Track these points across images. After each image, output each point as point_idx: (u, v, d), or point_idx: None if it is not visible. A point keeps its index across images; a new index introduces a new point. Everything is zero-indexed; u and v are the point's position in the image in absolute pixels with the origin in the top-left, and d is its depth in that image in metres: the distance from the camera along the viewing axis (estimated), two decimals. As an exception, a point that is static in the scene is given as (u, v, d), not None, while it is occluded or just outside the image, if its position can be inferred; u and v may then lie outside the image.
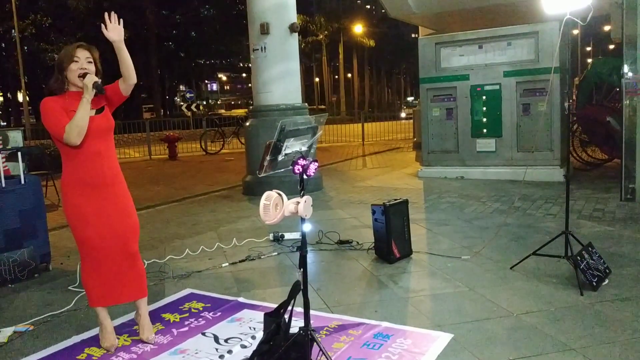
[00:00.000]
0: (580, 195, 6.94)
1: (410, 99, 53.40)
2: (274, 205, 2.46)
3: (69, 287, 4.25)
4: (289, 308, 2.67)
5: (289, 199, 2.56)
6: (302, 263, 2.51)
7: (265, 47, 8.09)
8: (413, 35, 43.96)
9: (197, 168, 13.06)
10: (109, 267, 3.10)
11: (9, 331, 3.46)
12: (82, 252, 3.11)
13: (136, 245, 3.19)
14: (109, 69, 3.19)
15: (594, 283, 3.73)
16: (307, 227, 2.55)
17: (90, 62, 3.00)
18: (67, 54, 2.99)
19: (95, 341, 3.24)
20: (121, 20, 2.97)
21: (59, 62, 2.99)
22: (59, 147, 3.01)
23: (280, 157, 2.42)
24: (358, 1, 55.38)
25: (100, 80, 2.96)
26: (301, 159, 2.45)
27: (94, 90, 2.92)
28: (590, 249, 4.00)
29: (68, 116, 2.90)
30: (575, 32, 27.38)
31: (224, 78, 73.75)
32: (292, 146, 2.45)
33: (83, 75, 2.95)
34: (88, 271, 3.12)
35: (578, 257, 3.80)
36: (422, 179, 9.01)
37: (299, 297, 2.63)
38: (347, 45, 49.95)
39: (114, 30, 2.94)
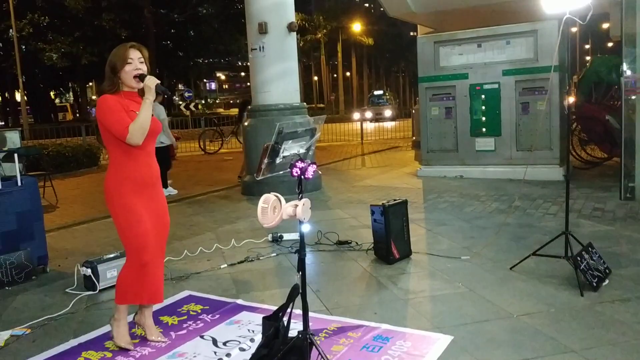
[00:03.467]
0: (580, 194, 6.93)
1: (377, 92, 41.13)
2: (272, 208, 2.44)
3: (67, 290, 4.23)
4: (288, 311, 2.65)
5: (287, 200, 2.54)
6: (301, 266, 2.49)
7: (263, 47, 8.06)
8: (412, 34, 43.87)
9: (196, 168, 13.03)
10: (155, 266, 3.13)
11: (5, 335, 3.43)
12: (131, 251, 3.08)
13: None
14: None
15: (594, 284, 3.71)
16: (305, 228, 2.53)
17: (142, 62, 3.01)
18: (120, 55, 2.97)
19: (92, 344, 3.22)
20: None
21: (112, 64, 2.98)
22: (113, 147, 2.99)
23: (278, 160, 2.40)
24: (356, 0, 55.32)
25: (155, 78, 2.97)
26: (299, 162, 2.42)
27: (158, 93, 2.95)
28: (590, 249, 3.98)
29: (128, 116, 2.92)
30: (574, 29, 27.37)
31: (223, 77, 73.74)
32: (290, 148, 2.43)
33: (139, 76, 2.96)
34: (134, 269, 3.08)
35: (578, 258, 3.78)
36: (421, 178, 8.98)
37: (298, 299, 2.62)
38: (346, 43, 49.91)
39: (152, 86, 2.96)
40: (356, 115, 28.62)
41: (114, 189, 3.01)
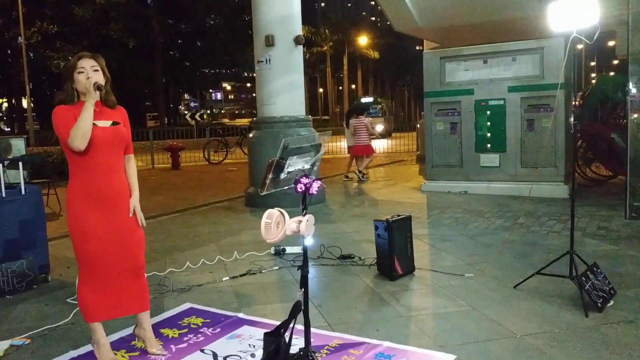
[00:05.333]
0: (585, 212, 6.88)
1: (366, 99, 33.69)
2: (275, 223, 2.42)
3: (67, 300, 4.20)
4: (290, 326, 2.63)
5: (291, 214, 2.53)
6: (303, 283, 2.47)
7: (270, 59, 8.09)
8: (417, 48, 44.02)
9: (200, 178, 13.04)
10: (110, 282, 3.03)
11: (5, 345, 3.41)
12: (80, 266, 3.05)
13: (143, 257, 3.17)
14: (112, 78, 3.16)
15: (599, 304, 3.67)
16: (308, 242, 2.51)
17: (96, 70, 2.98)
18: (71, 65, 2.98)
19: (91, 357, 3.19)
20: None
21: (65, 74, 2.98)
22: (68, 157, 2.97)
23: (282, 175, 2.39)
24: (363, 13, 55.63)
25: (101, 83, 2.93)
26: (304, 177, 2.41)
27: (97, 92, 2.90)
28: (595, 269, 3.94)
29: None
30: (580, 46, 27.40)
31: (228, 87, 74.04)
32: (295, 164, 2.42)
33: (95, 86, 2.93)
34: (87, 285, 3.04)
35: (583, 278, 3.74)
36: (425, 193, 8.96)
37: (300, 314, 2.59)
38: (352, 56, 50.17)
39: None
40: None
41: (68, 201, 2.99)
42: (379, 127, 25.24)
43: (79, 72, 2.94)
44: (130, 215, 3.07)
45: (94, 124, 2.89)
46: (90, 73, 2.94)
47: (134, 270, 3.10)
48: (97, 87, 2.89)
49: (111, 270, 3.02)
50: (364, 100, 33.84)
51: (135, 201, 3.11)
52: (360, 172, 11.11)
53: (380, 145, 19.82)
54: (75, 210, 2.96)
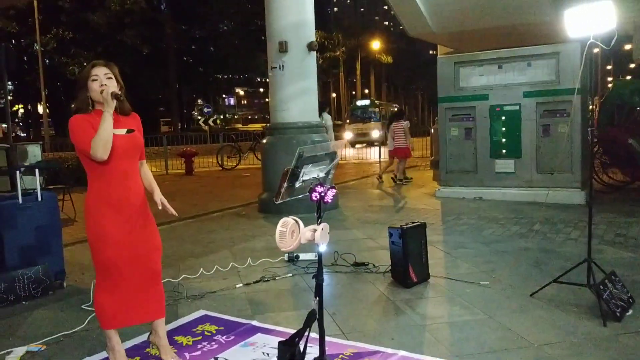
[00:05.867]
0: (602, 219, 6.79)
1: (362, 102, 30.99)
2: (290, 232, 2.41)
3: (82, 306, 4.22)
4: (305, 335, 2.61)
5: (304, 221, 2.51)
6: (318, 292, 2.45)
7: (283, 65, 8.10)
8: (431, 52, 43.91)
9: (213, 184, 13.08)
10: (128, 288, 3.04)
11: (21, 351, 3.43)
12: (98, 272, 3.06)
13: (160, 264, 3.18)
14: (126, 83, 3.17)
15: (618, 313, 3.61)
16: (322, 248, 2.50)
17: (109, 77, 2.98)
18: (85, 74, 2.99)
19: (106, 364, 3.20)
20: None
21: (80, 83, 3.00)
22: (85, 165, 2.98)
23: (297, 184, 2.38)
24: (376, 18, 55.63)
25: (119, 92, 2.94)
26: (319, 186, 2.40)
27: (114, 102, 2.90)
28: (613, 277, 3.88)
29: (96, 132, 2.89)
30: (596, 50, 27.17)
31: (242, 92, 74.28)
32: (310, 172, 2.41)
33: (113, 96, 2.93)
34: (104, 292, 3.05)
35: (601, 286, 3.69)
36: (439, 199, 8.91)
37: (314, 322, 2.57)
38: (365, 61, 50.13)
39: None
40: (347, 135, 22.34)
41: (87, 207, 3.00)
42: (375, 133, 22.71)
43: (93, 80, 2.96)
44: (160, 208, 3.12)
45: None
46: (104, 81, 2.96)
47: (151, 276, 3.11)
48: (115, 96, 2.90)
49: (129, 276, 3.02)
50: (360, 103, 31.75)
51: (160, 195, 3.16)
52: (398, 178, 11.34)
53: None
54: (93, 216, 2.98)
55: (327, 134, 10.52)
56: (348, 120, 28.41)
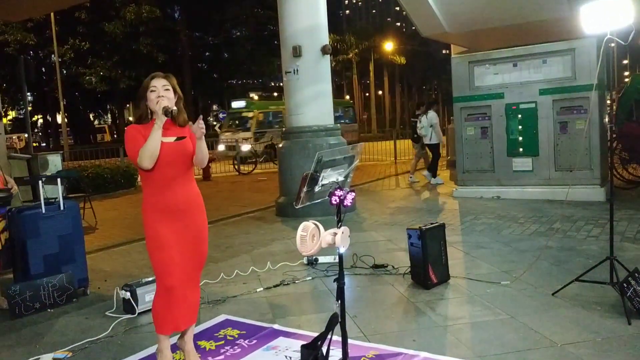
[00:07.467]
0: (623, 215, 6.72)
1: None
2: (310, 236, 2.43)
3: (106, 313, 4.28)
4: (328, 338, 2.62)
5: (322, 223, 2.52)
6: (340, 295, 2.47)
7: (297, 70, 8.14)
8: (444, 52, 43.75)
9: (230, 189, 13.15)
10: (182, 293, 3.10)
11: (48, 358, 3.49)
12: (157, 277, 3.13)
13: (201, 271, 3.27)
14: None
15: (643, 311, 3.58)
16: (342, 251, 2.51)
17: (167, 89, 3.06)
18: (145, 85, 3.08)
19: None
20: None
21: (140, 94, 3.09)
22: (139, 172, 3.09)
23: (317, 188, 2.39)
24: (388, 19, 55.53)
25: (174, 107, 2.99)
26: (338, 190, 2.42)
27: (164, 115, 2.97)
28: (636, 274, 3.83)
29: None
30: (612, 44, 26.87)
31: (256, 97, 74.51)
32: (329, 176, 2.43)
33: (164, 111, 3.00)
34: (161, 297, 3.10)
35: (624, 284, 3.65)
36: (457, 199, 8.87)
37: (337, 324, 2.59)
38: (378, 62, 50.08)
39: (198, 131, 2.98)
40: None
41: (144, 214, 3.09)
42: (245, 147, 18.42)
43: (151, 91, 3.04)
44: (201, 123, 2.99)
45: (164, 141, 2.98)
46: (161, 92, 3.03)
47: (195, 282, 3.21)
48: (165, 112, 2.96)
49: (179, 282, 3.07)
50: (234, 104, 25.29)
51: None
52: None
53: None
54: (149, 222, 3.07)
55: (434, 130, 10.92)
56: (219, 129, 22.39)
